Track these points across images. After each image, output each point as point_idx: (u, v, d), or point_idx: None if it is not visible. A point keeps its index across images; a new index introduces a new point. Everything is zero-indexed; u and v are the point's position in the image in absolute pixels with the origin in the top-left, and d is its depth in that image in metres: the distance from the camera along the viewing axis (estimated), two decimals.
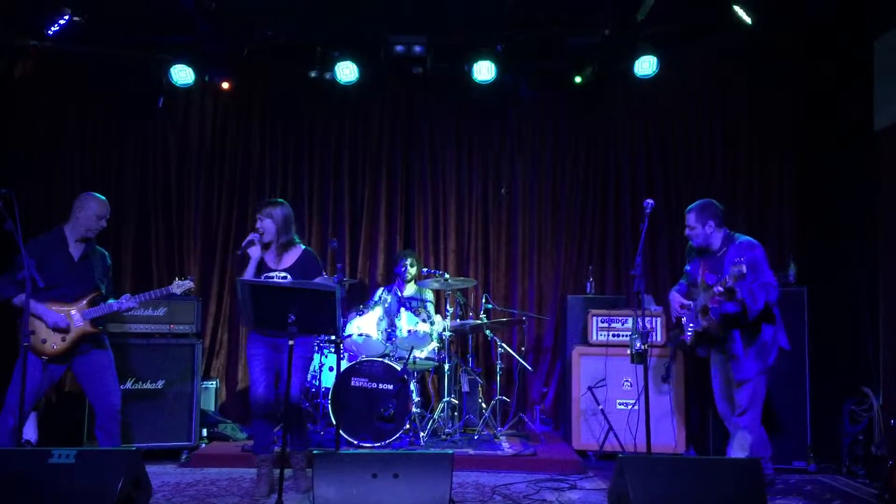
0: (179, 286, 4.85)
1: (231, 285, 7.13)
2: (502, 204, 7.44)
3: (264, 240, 4.82)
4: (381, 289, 6.88)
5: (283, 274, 4.77)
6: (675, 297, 5.19)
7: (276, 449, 4.87)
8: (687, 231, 5.03)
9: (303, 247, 4.92)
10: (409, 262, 6.78)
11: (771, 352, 4.83)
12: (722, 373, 5.06)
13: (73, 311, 4.64)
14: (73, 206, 4.80)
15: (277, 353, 4.79)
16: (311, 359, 4.71)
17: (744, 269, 4.40)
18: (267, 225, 4.81)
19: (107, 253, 5.03)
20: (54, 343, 4.57)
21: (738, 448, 4.84)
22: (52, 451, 3.64)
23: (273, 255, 4.85)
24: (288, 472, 5.09)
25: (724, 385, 5.05)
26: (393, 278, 7.01)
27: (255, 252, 4.81)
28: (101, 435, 4.76)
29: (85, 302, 4.70)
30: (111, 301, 4.78)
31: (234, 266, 7.22)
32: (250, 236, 4.83)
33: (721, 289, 4.59)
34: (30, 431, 5.71)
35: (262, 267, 4.83)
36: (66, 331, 4.59)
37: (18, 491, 3.51)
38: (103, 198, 4.84)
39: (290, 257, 4.85)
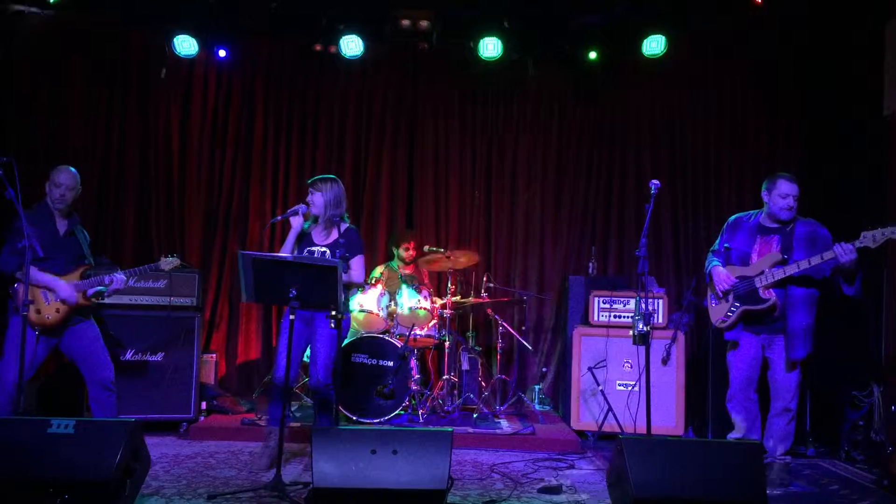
0: (167, 263, 4.88)
1: (232, 259, 7.11)
2: (503, 181, 7.42)
3: (312, 213, 4.85)
4: (383, 265, 6.86)
5: (324, 249, 4.80)
6: (724, 272, 4.81)
7: (290, 423, 4.88)
8: (792, 201, 4.68)
9: (347, 224, 4.93)
10: (406, 240, 6.81)
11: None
12: (755, 356, 4.80)
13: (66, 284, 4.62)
14: None
15: (308, 327, 4.81)
16: (337, 335, 4.64)
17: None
18: (316, 199, 4.82)
19: (87, 233, 4.95)
20: (48, 314, 4.55)
21: (784, 438, 4.75)
22: (51, 420, 3.62)
23: (320, 230, 4.88)
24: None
25: (753, 368, 4.81)
26: (391, 256, 6.99)
27: (296, 222, 4.83)
28: (95, 406, 4.75)
29: (76, 275, 4.67)
30: (102, 276, 4.70)
31: (237, 238, 7.20)
32: (297, 206, 4.87)
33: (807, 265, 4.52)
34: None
35: (304, 239, 4.87)
36: (64, 302, 4.57)
37: (17, 459, 3.50)
38: (64, 168, 4.69)
39: (335, 234, 4.87)
